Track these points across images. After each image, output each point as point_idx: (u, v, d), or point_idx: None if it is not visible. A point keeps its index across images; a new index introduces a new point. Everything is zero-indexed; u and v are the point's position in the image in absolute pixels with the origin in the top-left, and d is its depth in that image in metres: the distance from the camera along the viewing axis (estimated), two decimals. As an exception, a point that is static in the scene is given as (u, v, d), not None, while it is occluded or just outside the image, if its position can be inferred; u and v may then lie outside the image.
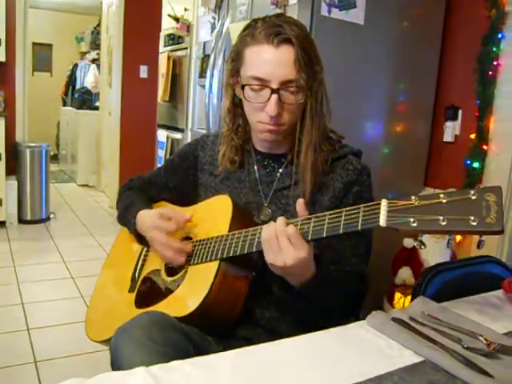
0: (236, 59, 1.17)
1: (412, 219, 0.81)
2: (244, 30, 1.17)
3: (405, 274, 2.24)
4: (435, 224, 0.79)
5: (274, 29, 1.08)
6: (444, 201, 0.79)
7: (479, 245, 0.82)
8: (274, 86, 1.08)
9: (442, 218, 0.78)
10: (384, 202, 0.85)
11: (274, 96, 1.08)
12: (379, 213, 0.85)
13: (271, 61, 1.08)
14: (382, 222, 0.84)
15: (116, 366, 0.95)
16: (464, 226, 0.77)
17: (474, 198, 0.77)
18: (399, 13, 2.28)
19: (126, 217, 1.34)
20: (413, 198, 0.83)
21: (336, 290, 1.09)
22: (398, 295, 2.23)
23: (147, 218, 1.26)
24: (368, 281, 1.17)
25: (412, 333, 0.88)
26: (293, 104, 1.11)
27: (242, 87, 1.13)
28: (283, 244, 0.95)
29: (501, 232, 0.75)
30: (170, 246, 1.18)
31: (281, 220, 0.97)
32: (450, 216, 0.78)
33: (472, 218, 0.76)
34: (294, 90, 1.09)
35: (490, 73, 2.21)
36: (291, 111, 1.12)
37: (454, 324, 0.92)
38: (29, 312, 2.74)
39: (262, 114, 1.12)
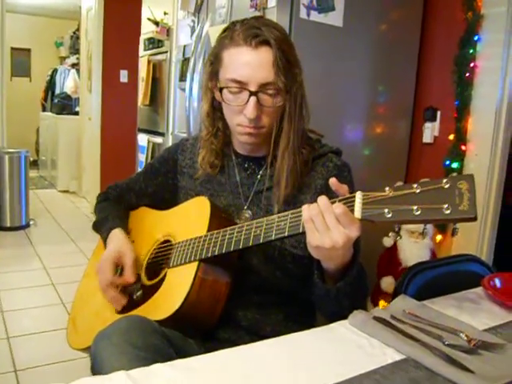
0: (214, 62, 1.16)
1: (386, 210, 0.82)
2: (222, 32, 1.16)
3: (385, 284, 2.26)
4: (409, 214, 0.80)
5: (253, 31, 1.08)
6: (417, 191, 0.81)
7: (453, 233, 0.83)
8: (253, 88, 1.08)
9: (415, 207, 0.79)
10: (359, 195, 0.86)
11: (253, 98, 1.08)
12: (354, 205, 0.85)
13: (249, 63, 1.07)
14: (358, 214, 0.85)
15: (96, 371, 0.94)
16: (438, 214, 0.78)
17: (446, 186, 0.79)
18: (378, 15, 2.30)
19: (99, 229, 1.35)
20: (387, 189, 0.83)
21: (361, 275, 1.03)
22: (381, 302, 2.24)
23: (112, 244, 1.26)
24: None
25: (393, 331, 0.88)
26: (271, 107, 1.10)
27: (221, 90, 1.13)
28: (332, 222, 0.87)
29: (474, 219, 0.77)
30: (107, 291, 1.22)
31: (323, 198, 0.90)
32: (424, 205, 0.79)
33: (445, 206, 0.77)
34: (272, 92, 1.09)
35: (467, 74, 2.24)
36: (270, 114, 1.11)
37: (434, 321, 0.93)
38: (8, 320, 2.70)
39: (240, 116, 1.12)
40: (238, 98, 1.10)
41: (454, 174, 0.78)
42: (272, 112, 1.11)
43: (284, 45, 1.09)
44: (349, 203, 0.86)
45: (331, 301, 1.02)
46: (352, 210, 0.85)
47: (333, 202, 0.89)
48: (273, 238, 0.97)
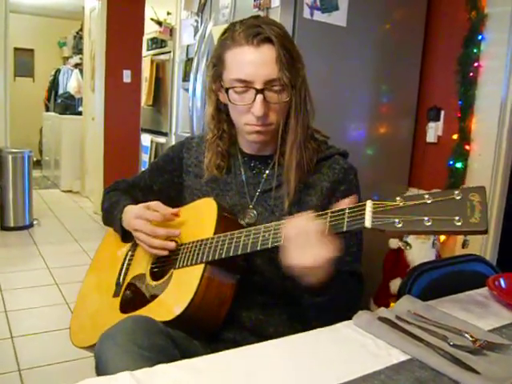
0: (217, 64, 1.16)
1: (397, 220, 0.81)
2: (223, 34, 1.16)
3: (394, 286, 2.23)
4: (420, 224, 0.79)
5: (253, 29, 1.08)
6: (429, 201, 0.80)
7: (464, 244, 0.82)
8: (258, 86, 1.08)
9: (426, 218, 0.78)
10: (369, 203, 0.85)
11: (259, 96, 1.08)
12: (364, 214, 0.85)
13: (253, 61, 1.08)
14: (368, 223, 0.84)
15: (101, 371, 0.94)
16: (449, 226, 0.77)
17: (458, 198, 0.78)
18: (381, 15, 2.30)
19: (111, 213, 1.33)
20: (398, 198, 0.83)
21: (343, 289, 1.07)
22: (392, 305, 2.22)
23: (133, 209, 1.25)
24: (363, 279, 1.16)
25: (398, 331, 0.88)
26: (278, 103, 1.10)
27: (226, 90, 1.13)
28: (313, 241, 0.89)
29: (485, 232, 0.76)
30: (155, 234, 1.17)
31: (307, 214, 0.92)
32: (435, 216, 0.78)
33: (457, 218, 0.76)
34: (278, 88, 1.09)
35: (471, 74, 2.24)
36: (277, 110, 1.12)
37: (439, 322, 0.92)
38: (12, 319, 2.70)
39: (248, 115, 1.12)
40: (245, 97, 1.11)
41: (466, 186, 0.78)
42: (279, 108, 1.12)
43: (285, 41, 1.10)
44: (359, 212, 0.86)
45: (311, 313, 1.07)
46: (362, 219, 0.85)
47: (337, 211, 0.89)
48: (281, 242, 0.97)
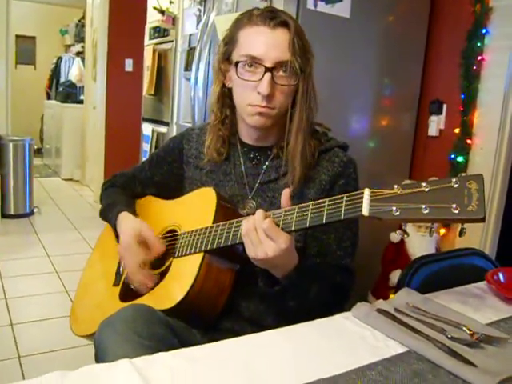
0: (229, 42, 1.16)
1: (394, 208, 0.81)
2: (240, 15, 1.18)
3: (394, 277, 2.24)
4: (418, 212, 0.79)
5: (270, 13, 1.11)
6: (426, 189, 0.80)
7: (461, 233, 0.82)
8: (268, 65, 1.08)
9: (424, 206, 0.78)
10: (367, 191, 0.85)
11: (268, 74, 1.08)
12: (362, 202, 0.85)
13: (266, 41, 1.09)
14: (365, 211, 0.84)
15: (100, 359, 0.94)
16: (446, 214, 0.77)
17: (455, 186, 0.78)
18: (385, 7, 2.29)
19: (107, 215, 1.33)
20: (395, 187, 0.83)
21: (319, 282, 1.09)
22: (392, 296, 2.22)
23: (125, 225, 1.25)
24: (354, 274, 1.16)
25: (396, 323, 0.89)
26: (285, 85, 1.10)
27: (236, 64, 1.12)
28: (262, 236, 0.95)
29: (482, 220, 0.76)
30: (140, 272, 1.19)
31: (259, 213, 0.96)
32: (433, 204, 0.78)
33: (454, 205, 0.76)
34: (287, 71, 1.09)
35: (475, 68, 2.23)
36: (283, 93, 1.11)
37: (438, 315, 0.93)
38: (12, 307, 2.72)
39: (253, 94, 1.11)
40: (253, 74, 1.11)
41: (463, 174, 0.77)
42: (285, 91, 1.11)
43: (299, 29, 1.12)
44: (357, 200, 0.86)
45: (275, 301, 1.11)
46: (360, 207, 0.85)
47: (335, 199, 0.89)
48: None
